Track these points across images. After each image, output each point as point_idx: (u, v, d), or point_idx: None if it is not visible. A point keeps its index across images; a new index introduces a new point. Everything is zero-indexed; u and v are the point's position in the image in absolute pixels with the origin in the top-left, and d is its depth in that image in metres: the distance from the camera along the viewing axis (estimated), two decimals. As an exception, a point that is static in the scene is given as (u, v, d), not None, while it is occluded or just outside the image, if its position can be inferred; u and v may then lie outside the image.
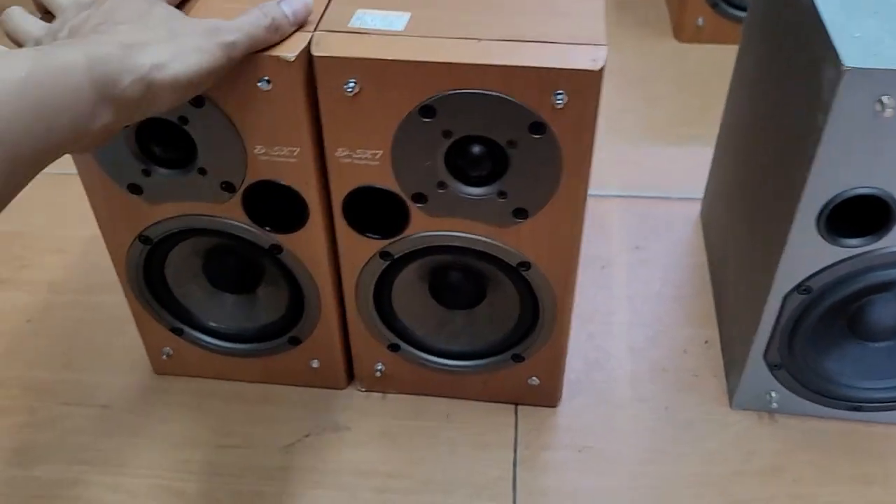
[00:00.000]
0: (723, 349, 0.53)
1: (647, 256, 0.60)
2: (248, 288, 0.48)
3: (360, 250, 0.43)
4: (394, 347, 0.48)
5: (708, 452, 0.47)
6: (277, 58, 0.35)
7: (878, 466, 0.46)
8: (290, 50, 0.36)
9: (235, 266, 0.47)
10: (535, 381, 0.48)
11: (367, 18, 0.37)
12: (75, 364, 0.53)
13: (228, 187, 0.41)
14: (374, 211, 0.41)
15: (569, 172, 0.38)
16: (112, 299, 0.56)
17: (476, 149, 0.38)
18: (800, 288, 0.42)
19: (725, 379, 0.51)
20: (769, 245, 0.43)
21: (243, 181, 0.40)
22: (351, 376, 0.51)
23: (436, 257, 0.43)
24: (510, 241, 0.41)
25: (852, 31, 0.36)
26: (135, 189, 0.42)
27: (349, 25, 0.37)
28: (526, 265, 0.42)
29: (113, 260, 0.46)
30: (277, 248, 0.43)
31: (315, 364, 0.50)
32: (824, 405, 0.48)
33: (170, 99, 0.31)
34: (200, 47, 0.32)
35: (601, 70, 0.34)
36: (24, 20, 0.34)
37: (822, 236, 0.40)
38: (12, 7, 0.34)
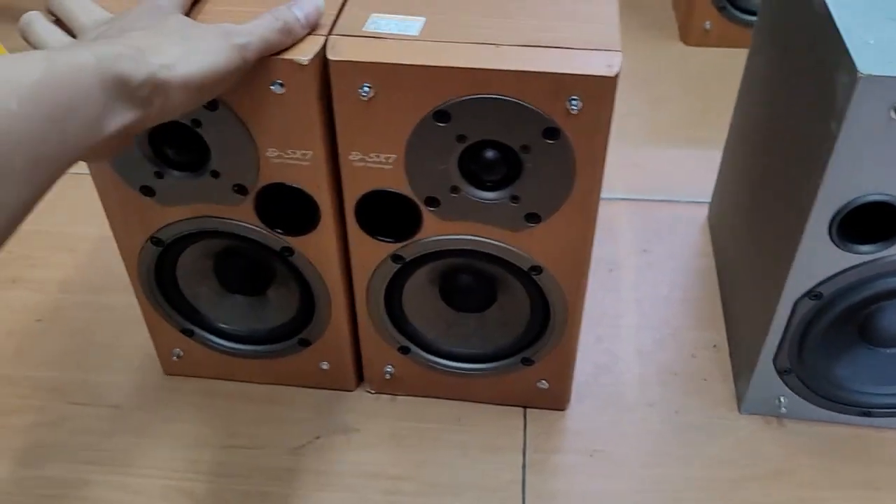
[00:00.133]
0: (731, 353, 0.53)
1: (654, 259, 0.60)
2: (259, 290, 0.49)
3: (371, 253, 0.43)
4: (404, 350, 0.48)
5: (716, 456, 0.47)
6: (291, 61, 0.35)
7: (887, 472, 0.46)
8: (303, 53, 0.36)
9: (246, 268, 0.47)
10: (544, 384, 0.48)
11: (382, 23, 0.37)
12: (85, 364, 0.53)
13: (241, 190, 0.41)
14: (386, 214, 0.41)
15: (582, 177, 0.38)
16: (122, 299, 0.56)
17: (490, 153, 0.38)
18: (811, 294, 0.43)
19: (734, 383, 0.51)
20: (780, 250, 0.43)
21: (255, 184, 0.41)
22: (360, 378, 0.51)
23: (447, 261, 0.43)
24: (522, 245, 0.41)
25: (867, 37, 0.36)
26: (147, 191, 0.42)
27: (364, 30, 0.37)
28: (537, 269, 0.42)
29: (124, 261, 0.46)
30: (289, 251, 0.43)
31: (325, 366, 0.50)
32: (833, 410, 0.48)
33: (183, 101, 0.31)
34: (212, 49, 0.32)
35: (616, 76, 0.34)
36: (45, 30, 0.33)
37: (834, 242, 0.40)
38: (32, 13, 0.34)
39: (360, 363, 0.50)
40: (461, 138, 0.37)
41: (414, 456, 0.48)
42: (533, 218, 0.40)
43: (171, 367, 0.52)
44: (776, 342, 0.45)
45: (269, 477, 0.47)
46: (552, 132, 0.36)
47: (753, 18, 0.79)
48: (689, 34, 0.83)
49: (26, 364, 0.53)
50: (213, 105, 0.37)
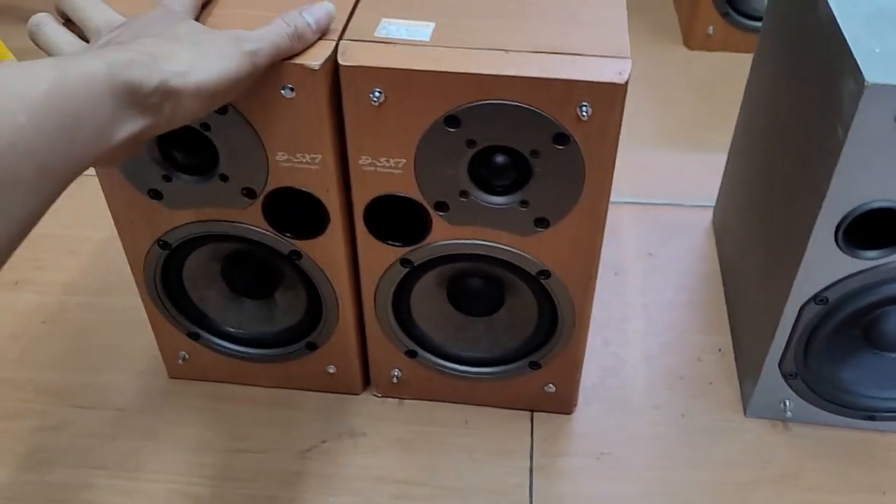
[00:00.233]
0: (737, 357, 0.53)
1: (659, 263, 0.60)
2: (266, 293, 0.49)
3: (380, 257, 0.43)
4: (411, 354, 0.48)
5: (723, 460, 0.48)
6: (302, 66, 0.36)
7: (892, 475, 0.47)
8: (314, 58, 0.36)
9: (254, 271, 0.47)
10: (551, 388, 0.48)
11: (393, 28, 0.37)
12: (89, 366, 0.53)
13: (249, 193, 0.41)
14: (394, 218, 0.41)
15: (591, 183, 0.38)
16: (126, 302, 0.56)
17: (499, 158, 0.38)
18: (816, 298, 0.43)
19: (739, 387, 0.52)
20: (786, 255, 0.44)
21: (264, 187, 0.41)
22: (367, 382, 0.51)
23: (455, 265, 0.43)
24: (531, 249, 0.41)
25: (873, 45, 0.36)
26: (155, 195, 0.42)
27: (375, 35, 0.37)
28: (546, 274, 0.42)
29: (131, 264, 0.46)
30: (297, 254, 0.43)
31: (331, 369, 0.50)
32: (839, 414, 0.48)
33: (194, 107, 0.31)
34: (223, 55, 0.32)
35: (626, 83, 0.35)
36: (55, 33, 0.33)
37: (840, 248, 0.40)
38: (40, 15, 0.34)
39: (367, 367, 0.50)
40: (471, 143, 0.37)
41: (421, 460, 0.48)
42: (542, 223, 0.40)
43: (176, 371, 0.52)
44: (782, 346, 0.46)
45: (276, 481, 0.47)
46: (562, 138, 0.36)
47: (756, 24, 0.81)
48: (692, 39, 0.83)
49: (30, 367, 0.53)
50: (222, 109, 0.37)
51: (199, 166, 0.41)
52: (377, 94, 0.36)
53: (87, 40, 0.34)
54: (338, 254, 0.43)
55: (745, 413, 0.50)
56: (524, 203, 0.39)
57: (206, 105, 0.32)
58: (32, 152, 0.25)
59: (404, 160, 0.38)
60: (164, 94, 0.29)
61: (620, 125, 0.36)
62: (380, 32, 0.37)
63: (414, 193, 0.40)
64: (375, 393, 0.51)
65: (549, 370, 0.47)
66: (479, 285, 0.45)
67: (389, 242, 0.42)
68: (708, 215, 0.64)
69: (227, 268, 0.47)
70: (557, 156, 0.37)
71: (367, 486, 0.46)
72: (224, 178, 0.40)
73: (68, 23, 0.35)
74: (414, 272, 0.44)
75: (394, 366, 0.49)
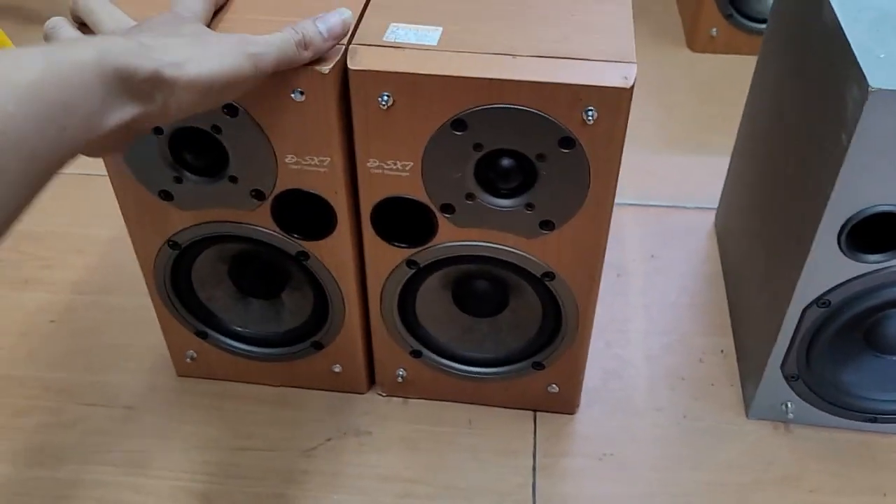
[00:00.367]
0: (738, 359, 0.54)
1: (662, 265, 0.61)
2: (273, 293, 0.49)
3: (386, 258, 0.43)
4: (416, 354, 0.49)
5: (725, 461, 0.48)
6: (312, 69, 0.36)
7: (893, 477, 0.47)
8: (323, 62, 0.36)
9: (261, 272, 0.47)
10: (554, 388, 0.49)
11: (401, 32, 0.38)
12: (97, 364, 0.54)
13: (258, 195, 0.41)
14: (401, 220, 0.41)
15: (596, 186, 0.38)
16: (134, 301, 0.56)
17: (506, 162, 0.38)
18: (819, 301, 0.43)
19: (741, 388, 0.52)
20: (789, 258, 0.44)
21: (273, 189, 0.41)
22: (372, 381, 0.52)
23: (461, 266, 0.44)
24: (536, 251, 0.42)
25: (877, 51, 0.37)
26: (166, 196, 0.43)
27: (384, 39, 0.37)
28: (550, 275, 0.42)
29: (140, 264, 0.47)
30: (304, 255, 0.44)
31: (337, 369, 0.50)
32: (840, 416, 0.49)
33: (189, 100, 0.31)
34: (224, 52, 0.32)
35: (632, 88, 0.35)
36: (70, 35, 0.34)
37: (843, 252, 0.41)
38: (56, 19, 0.34)
39: (373, 366, 0.51)
40: (478, 147, 0.38)
41: (425, 459, 0.48)
42: (547, 225, 0.40)
43: (184, 369, 0.53)
44: (784, 348, 0.46)
45: (282, 479, 0.47)
46: (567, 142, 0.37)
47: (759, 26, 0.81)
48: (696, 41, 0.83)
49: (39, 365, 0.54)
50: (233, 111, 0.38)
51: (209, 168, 0.41)
52: (385, 97, 0.36)
53: None
54: (345, 255, 0.43)
55: (746, 415, 0.50)
56: (529, 206, 0.40)
57: (201, 100, 0.31)
58: (21, 140, 0.25)
59: (411, 163, 0.39)
60: (157, 83, 0.29)
61: (626, 129, 0.36)
62: (388, 37, 0.37)
63: (421, 196, 0.40)
64: (380, 392, 0.52)
65: (553, 371, 0.48)
66: (483, 287, 0.46)
67: (396, 244, 0.43)
68: (710, 217, 0.64)
69: (235, 268, 0.48)
70: (563, 159, 0.37)
71: (371, 485, 0.47)
72: (233, 179, 0.41)
73: (83, 27, 0.35)
74: (420, 273, 0.44)
75: (399, 365, 0.50)
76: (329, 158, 0.39)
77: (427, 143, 0.38)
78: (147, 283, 0.48)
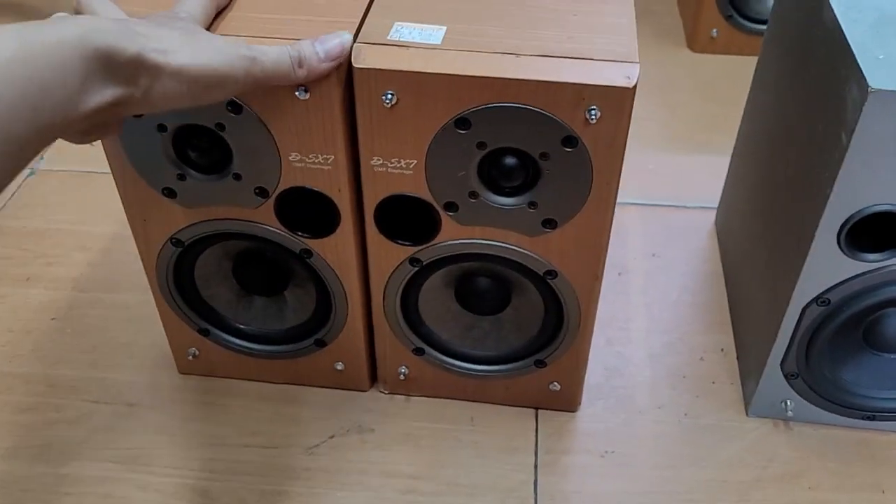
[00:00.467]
0: (739, 357, 0.54)
1: (663, 264, 0.61)
2: (276, 291, 0.49)
3: (389, 256, 0.44)
4: (418, 351, 0.49)
5: (726, 459, 0.48)
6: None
7: (892, 474, 0.47)
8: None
9: (264, 269, 0.48)
10: (556, 386, 0.49)
11: (405, 31, 0.38)
12: (100, 362, 0.54)
13: (262, 193, 0.42)
14: (404, 218, 0.42)
15: (598, 185, 0.39)
16: (136, 298, 0.57)
17: (509, 160, 0.39)
18: (818, 300, 0.43)
19: (741, 386, 0.52)
20: (789, 257, 0.44)
21: (277, 187, 0.41)
22: (374, 379, 0.52)
23: (463, 264, 0.44)
24: (538, 250, 0.42)
25: (877, 52, 0.37)
26: (169, 193, 0.43)
27: (388, 38, 0.37)
28: (553, 274, 0.43)
29: (143, 261, 0.47)
30: (307, 253, 0.44)
31: (339, 366, 0.50)
32: (839, 414, 0.49)
33: (175, 90, 0.30)
34: (217, 48, 0.32)
35: (634, 87, 0.35)
36: None
37: (843, 251, 0.41)
38: (60, 15, 0.34)
39: (375, 364, 0.51)
40: (481, 145, 0.38)
41: (428, 456, 0.48)
42: (550, 224, 0.41)
43: (186, 367, 0.53)
44: (784, 347, 0.46)
45: (285, 476, 0.48)
46: (571, 140, 0.37)
47: (759, 27, 0.81)
48: (696, 41, 0.84)
49: (43, 362, 0.54)
50: (237, 109, 0.38)
51: (213, 165, 0.42)
52: (390, 96, 0.37)
53: None
54: (348, 252, 0.44)
55: (746, 412, 0.51)
56: (532, 204, 0.40)
57: (188, 91, 0.31)
58: None
59: (415, 161, 0.39)
60: (139, 66, 0.29)
61: (628, 128, 0.37)
62: (393, 36, 0.38)
63: (424, 194, 0.40)
64: (383, 390, 0.52)
65: (555, 369, 0.48)
66: (486, 285, 0.46)
67: (399, 242, 0.43)
68: (711, 217, 0.65)
69: (238, 265, 0.48)
70: (566, 158, 0.38)
71: (374, 482, 0.47)
72: (237, 177, 0.41)
73: None
74: (422, 271, 0.44)
75: (401, 363, 0.50)
76: (333, 156, 0.39)
77: (431, 141, 0.38)
78: (149, 281, 0.48)
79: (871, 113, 0.36)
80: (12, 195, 0.65)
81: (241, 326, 0.50)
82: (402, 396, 0.52)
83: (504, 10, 0.39)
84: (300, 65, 0.35)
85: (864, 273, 0.42)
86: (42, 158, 0.67)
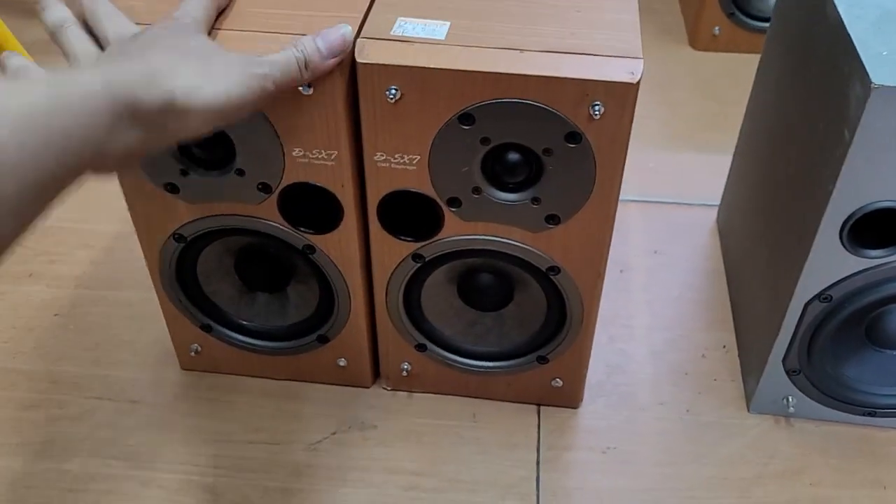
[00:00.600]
0: (740, 354, 0.54)
1: (665, 261, 0.61)
2: (279, 286, 0.49)
3: (392, 252, 0.44)
4: (421, 347, 0.49)
5: (728, 455, 0.48)
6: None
7: (893, 470, 0.47)
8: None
9: (267, 265, 0.48)
10: (558, 382, 0.49)
11: (409, 27, 0.38)
12: (103, 359, 0.54)
13: (265, 188, 0.42)
14: (407, 214, 0.42)
15: (602, 181, 0.39)
16: (138, 295, 0.57)
17: (512, 156, 0.39)
18: (821, 296, 0.44)
19: (743, 383, 0.52)
20: (791, 254, 0.44)
21: (280, 182, 0.41)
22: (377, 375, 0.52)
23: (466, 260, 0.44)
24: (541, 246, 0.42)
25: (880, 48, 0.37)
26: (172, 188, 0.43)
27: (391, 33, 0.37)
28: (555, 270, 0.43)
29: (146, 257, 0.47)
30: (310, 249, 0.44)
31: (342, 362, 0.50)
32: (841, 410, 0.49)
33: (199, 125, 0.31)
34: (231, 76, 0.32)
35: (638, 83, 0.35)
36: (77, 39, 0.34)
37: (845, 247, 0.41)
38: (65, 16, 0.34)
39: (377, 360, 0.51)
40: (485, 141, 0.38)
41: (430, 452, 0.48)
42: (553, 219, 0.41)
43: (189, 363, 0.53)
44: (786, 343, 0.46)
45: (288, 472, 0.48)
46: (574, 136, 0.37)
47: (761, 24, 0.81)
48: (698, 39, 0.84)
49: (45, 359, 0.54)
50: (240, 105, 0.38)
51: (216, 161, 0.42)
52: (393, 91, 0.37)
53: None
54: (351, 248, 0.44)
55: (748, 409, 0.51)
56: (536, 200, 0.40)
57: (209, 124, 0.31)
58: (17, 168, 0.25)
59: (418, 157, 0.39)
60: (168, 112, 0.29)
61: (631, 124, 0.37)
62: (396, 31, 0.38)
63: (427, 189, 0.40)
64: (385, 386, 0.52)
65: (557, 365, 0.48)
66: (489, 281, 0.46)
67: (402, 237, 0.43)
68: (713, 214, 0.65)
69: (240, 261, 0.48)
70: (569, 154, 0.38)
71: (377, 478, 0.47)
72: (240, 172, 0.41)
73: (86, 23, 0.35)
74: (425, 267, 0.44)
75: (404, 359, 0.50)
76: (336, 152, 0.39)
77: (434, 136, 0.38)
78: (152, 277, 0.48)
79: (874, 109, 0.36)
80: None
81: (244, 323, 0.50)
82: (405, 393, 0.52)
83: (508, 5, 0.39)
84: (306, 66, 0.35)
85: (866, 269, 0.42)
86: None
